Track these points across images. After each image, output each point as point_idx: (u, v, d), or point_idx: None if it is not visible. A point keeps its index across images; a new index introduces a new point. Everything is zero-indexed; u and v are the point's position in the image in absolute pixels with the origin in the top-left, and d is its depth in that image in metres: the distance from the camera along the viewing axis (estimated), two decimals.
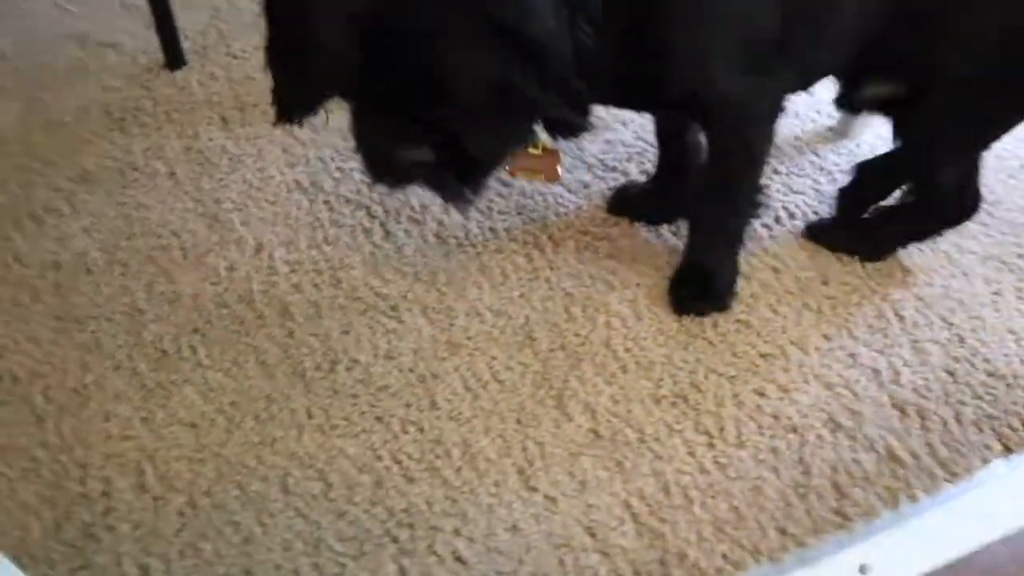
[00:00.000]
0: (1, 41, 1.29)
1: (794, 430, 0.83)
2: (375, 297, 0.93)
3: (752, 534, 0.74)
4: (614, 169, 1.13)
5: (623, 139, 1.18)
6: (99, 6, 1.41)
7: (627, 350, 0.89)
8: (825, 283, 0.98)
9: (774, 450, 0.81)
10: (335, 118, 1.19)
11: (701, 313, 0.93)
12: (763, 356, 0.89)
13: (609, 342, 0.90)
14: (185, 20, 1.33)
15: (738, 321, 0.93)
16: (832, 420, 0.84)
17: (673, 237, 1.03)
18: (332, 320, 0.90)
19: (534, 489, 0.77)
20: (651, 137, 1.14)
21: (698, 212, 0.93)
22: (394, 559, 0.72)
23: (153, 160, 1.09)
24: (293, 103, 0.74)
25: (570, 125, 0.74)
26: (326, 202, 1.05)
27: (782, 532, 0.75)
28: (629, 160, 1.15)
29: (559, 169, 0.94)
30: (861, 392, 0.86)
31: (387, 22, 0.63)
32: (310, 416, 0.82)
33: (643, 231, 1.04)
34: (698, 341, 0.91)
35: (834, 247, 0.99)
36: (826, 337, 0.92)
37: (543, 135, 0.80)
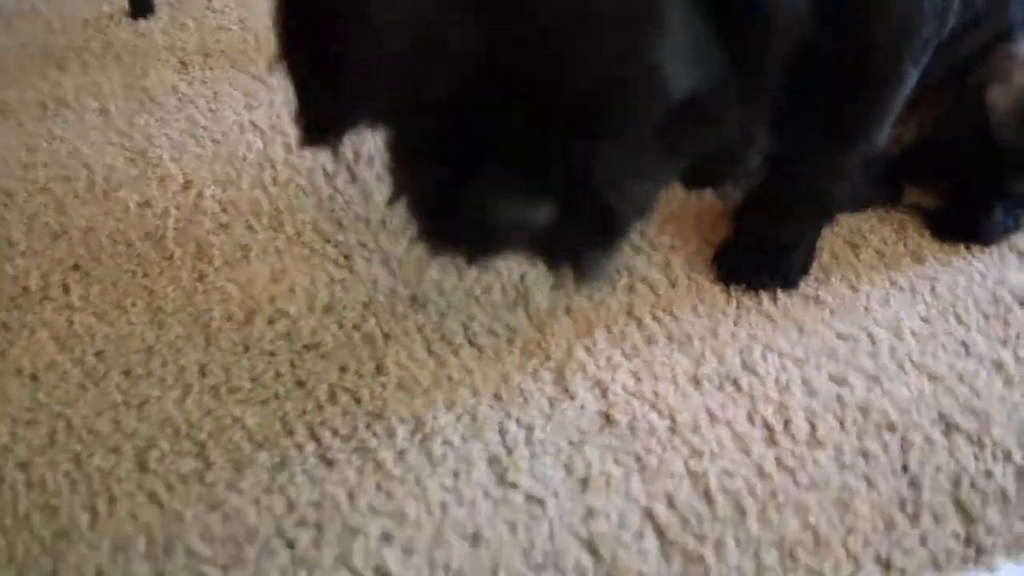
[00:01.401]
0: None
1: (892, 429, 0.57)
2: (323, 244, 0.70)
3: (839, 565, 0.48)
4: None
5: None
6: None
7: (655, 319, 0.65)
8: (918, 261, 0.73)
9: (864, 453, 0.55)
10: None
11: (758, 286, 0.68)
12: (841, 338, 0.64)
13: (631, 308, 0.65)
14: None
15: (804, 296, 0.68)
16: (945, 419, 0.57)
17: (718, 202, 0.80)
18: (261, 264, 0.67)
19: (512, 485, 0.51)
20: None
21: (784, 174, 0.69)
22: (283, 572, 0.46)
23: (85, 96, 0.90)
24: (326, 123, 0.52)
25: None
26: (285, 144, 0.84)
27: (885, 565, 0.48)
28: None
29: None
30: (983, 388, 0.60)
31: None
32: (203, 375, 0.58)
33: (679, 192, 0.80)
34: (752, 315, 0.66)
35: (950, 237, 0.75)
36: (925, 320, 0.66)
37: None
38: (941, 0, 0.58)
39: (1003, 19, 0.70)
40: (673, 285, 0.69)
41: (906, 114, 0.70)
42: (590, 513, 0.50)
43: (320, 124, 0.53)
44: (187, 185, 0.77)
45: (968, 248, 0.73)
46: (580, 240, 0.46)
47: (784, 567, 0.48)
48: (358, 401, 0.57)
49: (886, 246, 0.74)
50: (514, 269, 0.69)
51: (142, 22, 1.07)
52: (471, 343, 0.62)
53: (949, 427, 0.57)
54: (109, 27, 1.05)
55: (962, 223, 0.75)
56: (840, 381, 0.60)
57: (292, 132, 0.84)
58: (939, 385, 0.60)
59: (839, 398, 0.59)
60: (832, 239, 0.74)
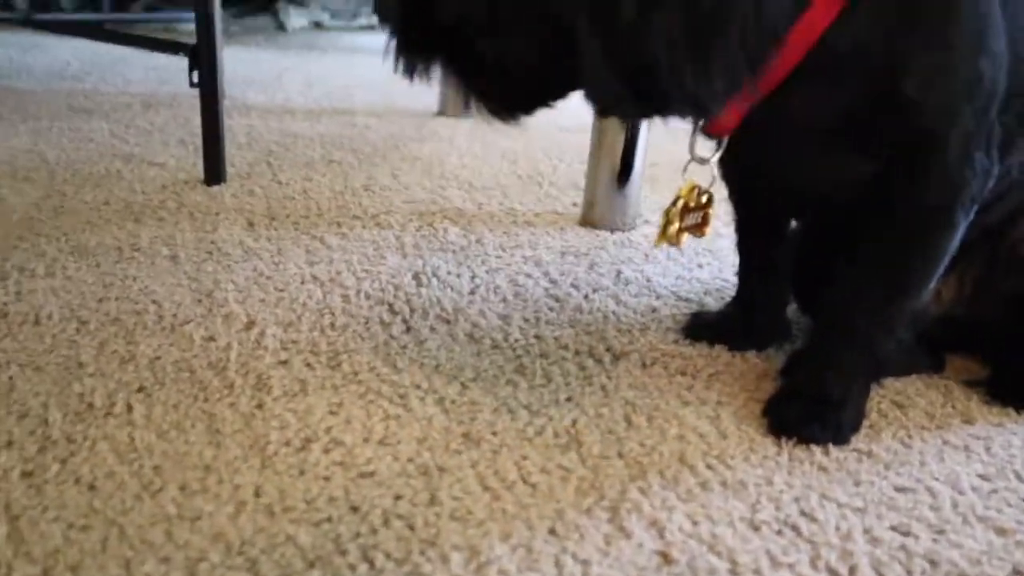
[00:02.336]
0: (50, 153, 1.24)
1: None
2: (379, 383, 0.72)
3: None
4: (688, 300, 0.94)
5: (699, 276, 1.01)
6: (156, 138, 1.38)
7: (709, 467, 0.65)
8: (968, 422, 0.74)
9: None
10: (365, 227, 1.07)
11: (809, 439, 0.69)
12: (900, 490, 0.63)
13: (684, 456, 0.65)
14: (238, 157, 1.28)
15: (856, 451, 0.68)
16: (1020, 573, 0.55)
17: (762, 362, 0.82)
18: (319, 398, 0.69)
19: None
20: (729, 275, 0.97)
21: (832, 326, 0.72)
22: None
23: (158, 244, 0.96)
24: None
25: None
26: (343, 296, 0.88)
27: None
28: (706, 294, 0.96)
29: (712, 217, 0.75)
30: None
31: None
32: (258, 494, 0.58)
33: (724, 354, 0.83)
34: (805, 465, 0.66)
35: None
36: (983, 477, 0.66)
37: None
38: (985, 162, 0.63)
39: None
40: (724, 436, 0.69)
41: (943, 276, 0.73)
42: None
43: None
44: (250, 325, 0.80)
45: (1019, 412, 0.74)
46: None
47: None
48: (412, 528, 0.56)
49: (934, 407, 0.75)
50: (566, 415, 0.70)
51: (214, 188, 1.16)
52: (524, 480, 0.61)
53: None
54: (184, 191, 1.13)
55: (1016, 387, 0.76)
56: (904, 532, 0.59)
57: (351, 284, 0.88)
58: (1009, 539, 0.58)
59: (904, 548, 0.57)
60: (879, 400, 0.75)
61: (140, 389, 0.68)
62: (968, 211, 0.66)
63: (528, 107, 0.62)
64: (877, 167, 0.65)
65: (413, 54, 0.58)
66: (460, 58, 0.58)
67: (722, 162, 0.71)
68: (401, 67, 0.59)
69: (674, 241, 0.73)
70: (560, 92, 0.62)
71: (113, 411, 0.65)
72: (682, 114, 0.57)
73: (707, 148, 0.71)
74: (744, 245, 0.83)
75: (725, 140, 0.68)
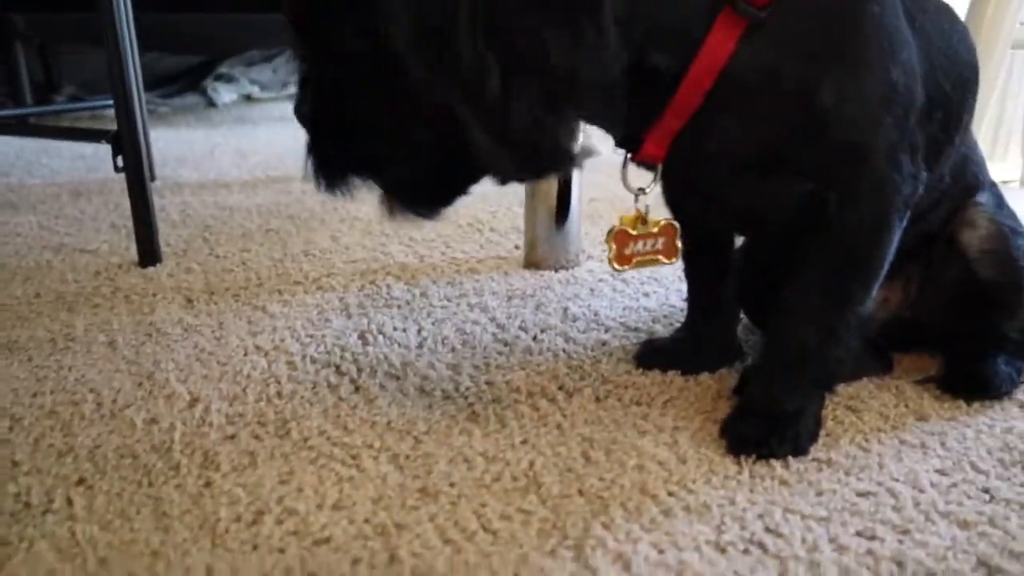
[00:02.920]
0: None
1: None
2: (331, 446, 0.70)
3: None
4: (636, 330, 0.95)
5: (646, 305, 1.01)
6: (87, 225, 1.36)
7: (670, 494, 0.64)
8: (923, 419, 0.75)
9: None
10: (307, 291, 1.06)
11: (769, 454, 0.69)
12: (861, 495, 0.64)
13: (644, 486, 0.65)
14: (173, 236, 1.27)
15: (815, 460, 0.68)
16: (985, 564, 0.56)
17: (716, 383, 0.82)
18: (269, 469, 0.67)
19: None
20: (676, 301, 0.98)
21: (781, 341, 0.72)
22: None
23: (94, 332, 0.94)
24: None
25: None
26: (289, 362, 0.86)
27: None
28: (655, 322, 0.97)
29: (678, 243, 0.76)
30: (1016, 530, 0.59)
31: None
32: (209, 573, 0.55)
33: (677, 379, 0.83)
34: (766, 481, 0.66)
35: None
36: (942, 472, 0.67)
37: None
38: (912, 168, 0.65)
39: (965, 185, 0.78)
40: (683, 461, 0.68)
41: (888, 282, 0.74)
42: None
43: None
44: (193, 402, 0.78)
45: (970, 404, 0.75)
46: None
47: None
48: None
49: (888, 409, 0.75)
50: (522, 458, 0.69)
51: (150, 269, 1.14)
52: (485, 529, 0.60)
53: (991, 571, 0.55)
54: (118, 275, 1.11)
55: (967, 379, 0.77)
56: (869, 536, 0.59)
57: (295, 351, 0.87)
58: (971, 531, 0.58)
59: (870, 552, 0.57)
60: (833, 407, 0.75)
61: (80, 482, 0.65)
62: (902, 217, 0.67)
63: (446, 200, 0.66)
64: (808, 186, 0.66)
65: (330, 175, 0.63)
66: (372, 174, 0.63)
67: (663, 189, 0.72)
68: (323, 186, 0.64)
69: (614, 266, 0.74)
70: (469, 178, 0.65)
71: (52, 508, 0.62)
72: (563, 168, 0.60)
73: (643, 179, 0.72)
74: (690, 269, 0.84)
75: (659, 170, 0.69)
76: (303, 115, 0.63)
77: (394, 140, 0.61)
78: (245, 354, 0.88)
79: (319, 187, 0.63)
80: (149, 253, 1.16)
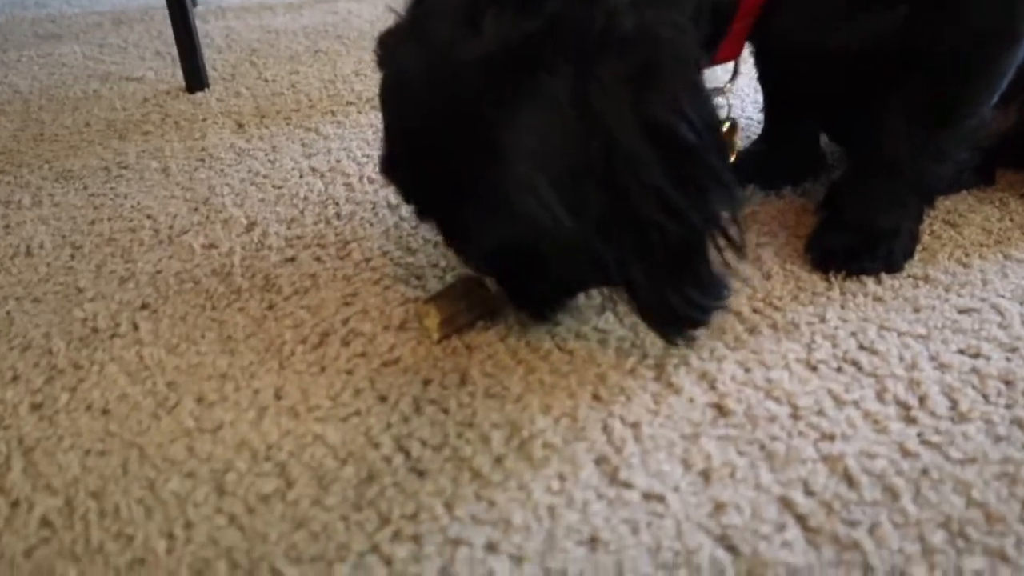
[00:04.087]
0: (21, 83, 1.17)
1: None
2: (394, 267, 0.67)
3: (1021, 542, 0.41)
4: None
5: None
6: (132, 53, 1.30)
7: (756, 311, 0.60)
8: None
9: (1020, 423, 0.48)
10: (361, 111, 1.00)
11: (859, 271, 0.63)
12: (964, 312, 0.58)
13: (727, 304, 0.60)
14: (219, 61, 1.20)
15: (911, 277, 0.62)
16: None
17: (799, 197, 0.75)
18: (332, 291, 0.64)
19: (625, 484, 0.46)
20: (753, 112, 0.89)
21: (876, 153, 0.64)
22: None
23: (146, 159, 0.90)
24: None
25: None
26: (346, 184, 0.82)
27: None
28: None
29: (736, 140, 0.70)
30: None
31: None
32: (279, 397, 0.54)
33: (757, 193, 0.77)
34: (859, 298, 0.60)
35: None
36: None
37: None
38: None
39: None
40: (768, 277, 0.64)
41: (1000, 105, 0.65)
42: (718, 507, 0.44)
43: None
44: (251, 226, 0.75)
45: None
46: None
47: (956, 547, 0.41)
48: (446, 411, 0.52)
49: (990, 223, 0.69)
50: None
51: (199, 95, 1.09)
52: (560, 348, 0.57)
53: None
54: (167, 102, 1.07)
55: None
56: (973, 354, 0.54)
57: (352, 171, 0.82)
58: None
59: (975, 370, 0.52)
60: (930, 221, 0.69)
61: (144, 306, 0.64)
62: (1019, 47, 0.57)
63: (561, 307, 0.60)
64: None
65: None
66: (510, 283, 0.58)
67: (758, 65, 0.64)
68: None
69: None
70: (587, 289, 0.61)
71: (119, 332, 0.61)
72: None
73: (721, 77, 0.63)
74: (767, 78, 0.76)
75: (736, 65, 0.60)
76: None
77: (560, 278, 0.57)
78: (301, 176, 0.84)
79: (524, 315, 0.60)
80: (196, 78, 1.10)
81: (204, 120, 1.00)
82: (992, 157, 0.75)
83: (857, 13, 0.56)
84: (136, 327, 0.62)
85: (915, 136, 0.62)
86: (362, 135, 0.93)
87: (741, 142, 0.86)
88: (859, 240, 0.64)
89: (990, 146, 0.73)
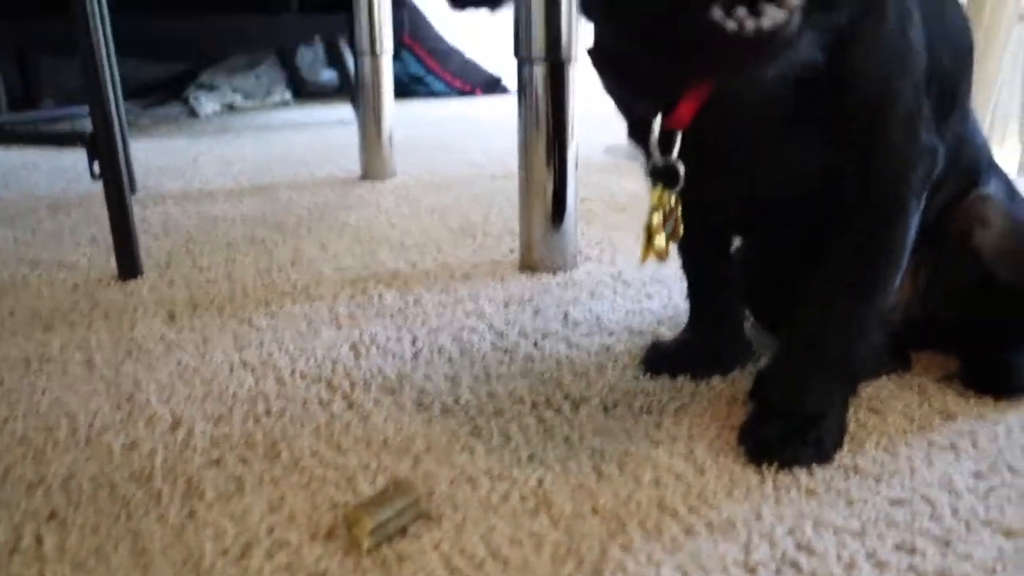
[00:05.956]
0: None
1: None
2: (323, 468, 0.66)
3: None
4: (641, 333, 0.90)
5: (649, 307, 0.97)
6: (66, 239, 1.31)
7: (691, 509, 0.59)
8: (949, 419, 0.71)
9: None
10: (295, 302, 1.01)
11: (791, 461, 0.64)
12: (895, 504, 0.59)
13: (663, 502, 0.60)
14: (155, 248, 1.22)
15: (842, 467, 0.64)
16: None
17: (729, 387, 0.78)
18: (258, 496, 0.62)
19: None
20: (680, 301, 0.94)
21: (801, 337, 0.68)
22: None
23: (71, 350, 0.88)
24: None
25: None
26: (277, 379, 0.81)
27: None
28: (659, 324, 0.93)
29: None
30: None
31: None
32: None
33: (688, 384, 0.79)
34: (792, 492, 0.61)
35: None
36: (978, 476, 0.63)
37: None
38: (929, 139, 0.60)
39: (962, 169, 0.74)
40: (702, 472, 0.64)
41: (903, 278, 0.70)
42: None
43: None
44: (176, 425, 0.73)
45: (996, 400, 0.71)
46: None
47: None
48: None
49: (912, 409, 0.71)
50: (530, 475, 0.64)
51: (131, 283, 1.09)
52: (494, 556, 0.56)
53: None
54: (97, 290, 1.06)
55: (990, 374, 0.73)
56: (909, 549, 0.54)
57: (284, 365, 0.82)
58: (1019, 540, 0.54)
59: (912, 568, 0.53)
60: (854, 408, 0.71)
61: (51, 516, 0.60)
62: (920, 194, 0.63)
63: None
64: (826, 159, 0.62)
65: None
66: None
67: (684, 161, 0.67)
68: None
69: (663, 255, 0.67)
70: None
71: (19, 546, 0.57)
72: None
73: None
74: (690, 265, 0.80)
75: (679, 139, 0.63)
76: None
77: None
78: (231, 371, 0.83)
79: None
80: (129, 266, 1.10)
81: (135, 310, 0.99)
82: (903, 340, 0.78)
83: (785, 140, 0.61)
84: (40, 540, 0.58)
85: (837, 312, 0.65)
86: (295, 326, 0.93)
87: (671, 332, 0.89)
88: (790, 428, 0.66)
89: (900, 328, 0.77)
